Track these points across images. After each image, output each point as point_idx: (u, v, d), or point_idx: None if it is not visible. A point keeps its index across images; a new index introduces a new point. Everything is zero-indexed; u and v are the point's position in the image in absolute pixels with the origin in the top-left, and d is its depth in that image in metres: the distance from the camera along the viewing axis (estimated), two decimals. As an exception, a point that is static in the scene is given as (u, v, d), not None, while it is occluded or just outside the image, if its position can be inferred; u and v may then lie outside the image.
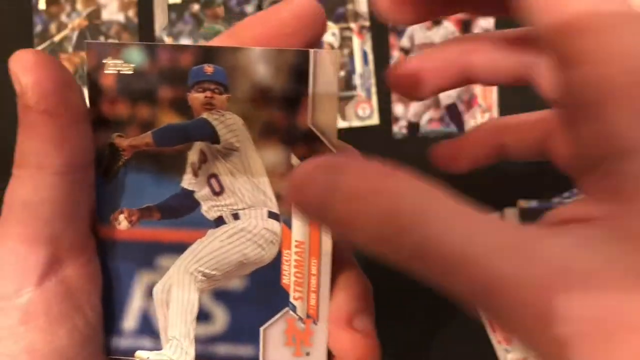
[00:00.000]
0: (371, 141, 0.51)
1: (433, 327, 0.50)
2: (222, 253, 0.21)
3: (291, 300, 0.21)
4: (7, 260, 0.19)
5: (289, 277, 0.21)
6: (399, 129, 0.51)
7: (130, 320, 0.21)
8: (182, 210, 0.21)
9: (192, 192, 0.21)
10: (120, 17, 0.52)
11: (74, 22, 0.52)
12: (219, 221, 0.21)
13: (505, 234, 0.15)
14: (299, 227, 0.21)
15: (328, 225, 0.17)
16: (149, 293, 0.21)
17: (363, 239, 0.16)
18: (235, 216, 0.21)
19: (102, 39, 0.52)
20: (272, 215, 0.21)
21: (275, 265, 0.21)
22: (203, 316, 0.21)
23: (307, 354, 0.21)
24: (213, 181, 0.21)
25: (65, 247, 0.19)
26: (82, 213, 0.20)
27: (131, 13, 0.52)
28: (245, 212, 0.21)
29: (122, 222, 0.21)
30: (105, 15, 0.52)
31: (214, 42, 0.21)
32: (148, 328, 0.21)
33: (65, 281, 0.19)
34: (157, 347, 0.21)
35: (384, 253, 0.16)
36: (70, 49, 0.52)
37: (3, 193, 0.18)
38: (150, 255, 0.21)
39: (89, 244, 0.20)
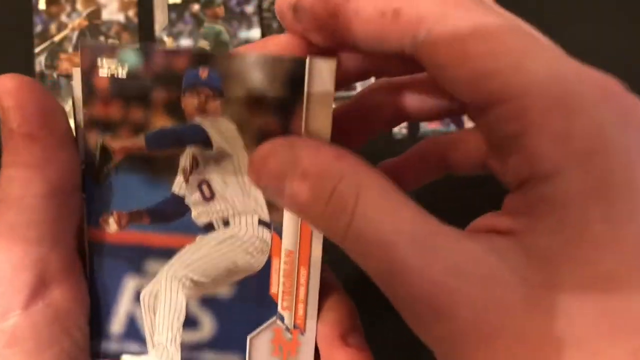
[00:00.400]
0: (371, 141, 0.51)
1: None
2: (210, 260, 0.21)
3: (279, 310, 0.21)
4: None
5: (277, 286, 0.21)
6: (399, 129, 0.51)
7: (117, 324, 0.21)
8: (172, 215, 0.21)
9: (182, 197, 0.21)
10: (120, 17, 0.52)
11: (74, 22, 0.52)
12: (209, 227, 0.21)
13: (422, 228, 0.16)
14: (289, 236, 0.21)
15: (284, 202, 0.18)
16: (136, 297, 0.21)
17: (310, 217, 0.18)
18: (226, 223, 0.21)
19: (102, 39, 0.52)
20: (262, 223, 0.21)
21: (264, 274, 0.21)
22: (190, 322, 0.21)
23: None
24: (204, 186, 0.21)
25: (52, 269, 0.19)
26: (69, 235, 0.20)
27: (131, 13, 0.52)
28: (235, 219, 0.21)
29: (112, 225, 0.21)
30: (106, 15, 0.52)
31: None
32: (134, 332, 0.21)
33: (52, 304, 0.19)
34: (143, 352, 0.21)
35: (326, 233, 0.17)
36: (70, 49, 0.52)
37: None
38: (138, 259, 0.21)
39: (75, 266, 0.20)
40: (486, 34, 0.15)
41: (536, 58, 0.15)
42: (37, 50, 0.52)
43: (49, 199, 0.18)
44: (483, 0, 0.16)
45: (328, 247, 0.20)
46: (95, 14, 0.52)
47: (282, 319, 0.21)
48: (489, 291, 0.14)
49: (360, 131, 0.23)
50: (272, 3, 0.52)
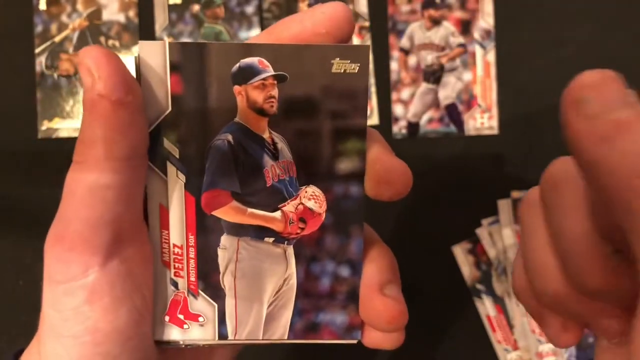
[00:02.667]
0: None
1: (433, 326, 0.50)
2: None
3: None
4: (74, 241, 0.19)
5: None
6: (399, 129, 0.51)
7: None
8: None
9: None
10: (120, 18, 0.52)
11: (74, 22, 0.52)
12: None
13: None
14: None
15: (603, 166, 0.14)
16: None
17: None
18: None
19: (102, 39, 0.52)
20: None
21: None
22: None
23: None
24: None
25: (126, 229, 0.20)
26: (139, 197, 0.21)
27: (131, 13, 0.52)
28: None
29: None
30: (106, 15, 0.52)
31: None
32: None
33: (126, 261, 0.20)
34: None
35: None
36: (70, 49, 0.52)
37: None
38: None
39: (143, 228, 0.21)
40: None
41: None
42: (37, 50, 0.52)
43: (126, 161, 0.20)
44: None
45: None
46: (95, 14, 0.52)
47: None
48: None
49: None
50: (272, 3, 0.52)
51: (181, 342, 0.23)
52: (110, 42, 0.52)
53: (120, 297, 0.20)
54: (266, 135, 0.21)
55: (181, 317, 0.22)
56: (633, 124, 0.14)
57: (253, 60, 0.20)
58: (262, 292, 0.23)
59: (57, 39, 0.52)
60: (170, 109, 0.21)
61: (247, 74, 0.20)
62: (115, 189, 0.19)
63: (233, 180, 0.21)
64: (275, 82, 0.21)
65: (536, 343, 0.48)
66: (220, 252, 0.22)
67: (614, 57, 0.48)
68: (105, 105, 0.19)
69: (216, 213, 0.22)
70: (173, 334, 0.22)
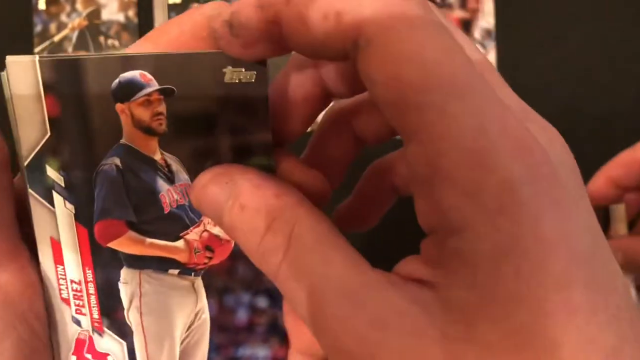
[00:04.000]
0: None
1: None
2: None
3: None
4: None
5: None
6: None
7: None
8: None
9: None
10: (120, 17, 0.52)
11: (74, 22, 0.52)
12: None
13: (351, 276, 0.16)
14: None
15: (222, 229, 0.18)
16: None
17: (246, 249, 0.18)
18: None
19: (101, 39, 0.52)
20: None
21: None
22: None
23: None
24: None
25: None
26: (6, 217, 0.19)
27: (131, 13, 0.52)
28: None
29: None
30: (105, 15, 0.52)
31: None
32: None
33: (2, 288, 0.18)
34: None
35: (260, 268, 0.17)
36: (70, 49, 0.52)
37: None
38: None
39: (21, 252, 0.19)
40: (423, 60, 0.14)
41: (465, 100, 0.14)
42: (36, 50, 0.52)
43: None
44: (435, 18, 0.15)
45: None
46: (95, 14, 0.52)
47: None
48: (411, 345, 0.15)
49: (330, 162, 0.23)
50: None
51: None
52: (110, 41, 0.52)
53: (1, 328, 0.18)
54: (158, 157, 0.19)
55: (89, 356, 0.21)
56: None
57: (134, 74, 0.18)
58: (173, 328, 0.21)
59: (56, 38, 0.52)
60: (49, 133, 0.18)
61: (128, 90, 0.18)
62: None
63: (126, 208, 0.19)
64: (162, 97, 0.18)
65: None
66: (121, 286, 0.20)
67: (613, 57, 0.48)
68: None
69: (112, 245, 0.20)
70: None
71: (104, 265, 0.20)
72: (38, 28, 0.52)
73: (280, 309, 0.21)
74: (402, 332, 0.15)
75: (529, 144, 0.15)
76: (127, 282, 0.20)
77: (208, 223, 0.20)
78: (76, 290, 0.20)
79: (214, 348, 0.21)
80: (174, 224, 0.20)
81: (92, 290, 0.20)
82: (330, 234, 0.17)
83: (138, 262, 0.20)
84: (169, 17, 0.52)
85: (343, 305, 0.15)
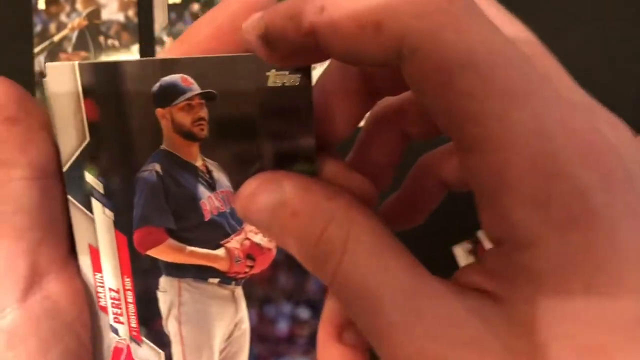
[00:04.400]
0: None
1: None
2: None
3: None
4: None
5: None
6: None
7: None
8: None
9: None
10: (120, 17, 0.52)
11: (73, 21, 0.52)
12: None
13: (410, 283, 0.15)
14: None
15: (272, 239, 0.18)
16: None
17: (299, 256, 0.17)
18: None
19: (101, 39, 0.52)
20: None
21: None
22: None
23: None
24: None
25: (45, 260, 0.18)
26: (58, 225, 0.19)
27: (131, 13, 0.52)
28: None
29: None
30: (105, 15, 0.52)
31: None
32: None
33: (50, 297, 0.18)
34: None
35: (314, 274, 0.17)
36: (69, 49, 0.52)
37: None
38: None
39: (69, 262, 0.19)
40: (475, 65, 0.13)
41: (526, 104, 0.13)
42: (36, 50, 0.52)
43: (32, 181, 0.18)
44: (478, 10, 0.14)
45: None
46: (94, 14, 0.52)
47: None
48: (472, 358, 0.14)
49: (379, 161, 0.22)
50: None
51: None
52: (110, 41, 0.52)
53: (48, 338, 0.18)
54: (199, 163, 0.19)
55: None
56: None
57: (175, 77, 0.17)
58: (212, 338, 0.20)
59: (56, 38, 0.52)
60: (88, 138, 0.18)
61: (169, 95, 0.18)
62: (25, 213, 0.17)
63: (166, 216, 0.19)
64: (204, 101, 0.18)
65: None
66: (160, 295, 0.20)
67: (613, 57, 0.48)
68: None
69: (151, 252, 0.19)
70: None
71: (143, 273, 0.20)
72: (38, 28, 0.52)
73: None
74: (463, 344, 0.14)
75: (599, 147, 0.14)
76: (165, 291, 0.20)
77: (250, 231, 0.19)
78: (114, 299, 0.20)
79: (253, 359, 0.21)
80: (215, 231, 0.19)
81: (130, 298, 0.20)
82: (387, 237, 0.16)
83: (177, 271, 0.20)
84: (169, 17, 0.52)
85: (402, 314, 0.15)
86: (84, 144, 0.18)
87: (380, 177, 0.21)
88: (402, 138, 0.21)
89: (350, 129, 0.19)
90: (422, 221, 0.24)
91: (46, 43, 0.52)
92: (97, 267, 0.19)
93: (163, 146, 0.18)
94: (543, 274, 0.13)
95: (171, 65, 0.17)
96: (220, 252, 0.20)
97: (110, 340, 0.20)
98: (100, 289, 0.20)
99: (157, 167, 0.18)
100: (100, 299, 0.20)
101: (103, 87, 0.18)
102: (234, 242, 0.20)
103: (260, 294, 0.20)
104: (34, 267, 0.18)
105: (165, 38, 0.52)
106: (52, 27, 0.52)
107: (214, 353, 0.20)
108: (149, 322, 0.20)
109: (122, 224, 0.19)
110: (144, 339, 0.20)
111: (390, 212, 0.24)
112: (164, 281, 0.20)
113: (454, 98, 0.13)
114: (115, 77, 0.18)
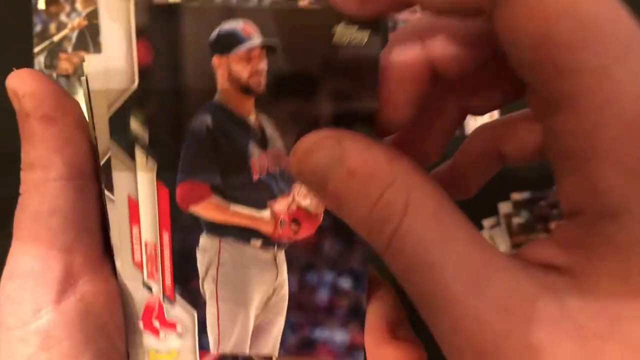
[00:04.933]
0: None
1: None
2: None
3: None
4: (22, 278, 0.17)
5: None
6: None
7: None
8: None
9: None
10: (120, 17, 0.52)
11: (73, 21, 0.52)
12: None
13: (475, 255, 0.14)
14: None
15: (325, 200, 0.17)
16: None
17: (352, 220, 0.16)
18: None
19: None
20: None
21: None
22: None
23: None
24: None
25: (80, 261, 0.18)
26: (93, 226, 0.19)
27: (131, 13, 0.52)
28: None
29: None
30: (105, 14, 0.52)
31: None
32: None
33: (84, 299, 0.18)
34: None
35: (368, 240, 0.16)
36: (69, 49, 0.52)
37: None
38: None
39: (104, 263, 0.19)
40: (579, 14, 0.12)
41: (630, 62, 0.12)
42: (36, 49, 0.51)
43: (68, 181, 0.17)
44: None
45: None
46: (94, 14, 0.52)
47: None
48: (540, 338, 0.13)
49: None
50: (273, 3, 0.52)
51: None
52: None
53: (82, 340, 0.17)
54: (252, 119, 0.18)
55: (156, 324, 0.20)
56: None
57: (236, 25, 0.17)
58: (249, 301, 0.20)
59: (56, 38, 0.52)
60: (137, 83, 0.17)
61: (228, 43, 0.17)
62: (60, 214, 0.17)
63: (213, 172, 0.18)
64: (264, 52, 0.17)
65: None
66: (199, 254, 0.19)
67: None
68: (33, 124, 0.17)
69: (193, 209, 0.19)
70: (148, 342, 0.20)
71: (183, 229, 0.19)
72: (38, 28, 0.52)
73: (364, 292, 0.19)
74: (530, 321, 0.13)
75: None
76: (205, 250, 0.19)
77: (298, 194, 0.19)
78: (150, 254, 0.19)
79: (289, 326, 0.20)
80: (262, 192, 0.19)
81: (167, 254, 0.19)
82: (450, 205, 0.15)
83: (219, 230, 0.19)
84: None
85: (465, 286, 0.14)
86: (132, 89, 0.17)
87: (432, 148, 0.20)
88: (498, 160, 0.20)
89: (408, 113, 0.18)
90: (472, 195, 0.22)
91: (46, 43, 0.52)
92: (134, 219, 0.19)
93: (216, 98, 0.18)
94: (631, 247, 0.13)
95: (232, 13, 0.17)
96: (265, 214, 0.19)
97: (142, 297, 0.19)
98: (136, 243, 0.19)
99: (208, 119, 0.18)
100: (135, 254, 0.19)
101: (159, 29, 0.17)
102: (280, 205, 0.19)
103: (302, 261, 0.19)
104: (69, 268, 0.18)
105: None
106: (52, 27, 0.52)
107: (249, 318, 0.20)
108: (185, 281, 0.19)
109: (166, 176, 0.18)
110: (177, 297, 0.19)
111: (440, 182, 0.24)
112: (204, 239, 0.19)
113: (551, 47, 0.12)
114: (172, 19, 0.17)
